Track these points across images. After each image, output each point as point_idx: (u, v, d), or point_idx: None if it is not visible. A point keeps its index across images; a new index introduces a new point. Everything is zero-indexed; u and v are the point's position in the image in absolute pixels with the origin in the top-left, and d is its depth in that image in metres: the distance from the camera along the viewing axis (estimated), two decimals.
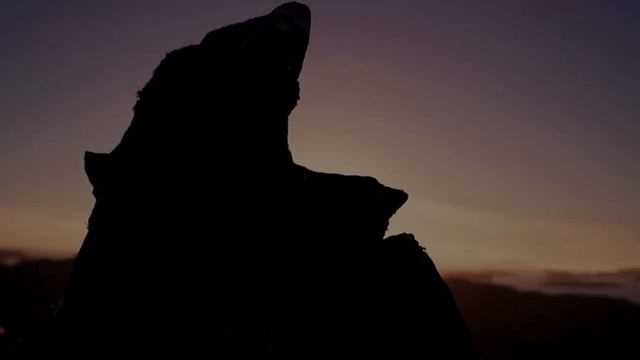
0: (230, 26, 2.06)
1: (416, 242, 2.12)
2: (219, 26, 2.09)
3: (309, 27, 2.12)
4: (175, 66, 2.00)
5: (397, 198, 2.19)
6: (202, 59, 1.96)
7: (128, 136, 2.06)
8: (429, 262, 2.09)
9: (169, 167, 1.91)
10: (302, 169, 2.05)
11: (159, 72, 2.04)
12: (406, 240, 2.10)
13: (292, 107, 2.05)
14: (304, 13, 2.13)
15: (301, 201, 1.96)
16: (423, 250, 2.12)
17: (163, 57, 2.09)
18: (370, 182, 2.12)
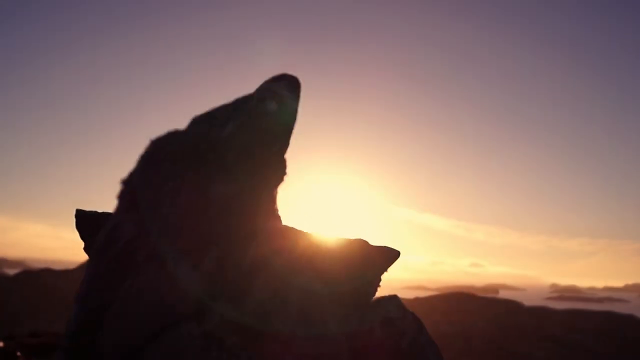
0: (216, 109, 2.02)
1: (402, 310, 2.12)
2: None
3: (298, 101, 2.07)
4: (159, 154, 1.95)
5: (389, 256, 2.16)
6: (187, 146, 1.92)
7: (114, 222, 2.00)
8: (414, 341, 2.09)
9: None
10: (291, 236, 2.03)
11: (143, 160, 1.98)
12: (391, 319, 2.07)
13: (279, 184, 2.02)
14: (294, 86, 2.08)
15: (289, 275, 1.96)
16: (411, 315, 2.12)
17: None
18: (360, 244, 2.11)
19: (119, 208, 2.00)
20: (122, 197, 1.99)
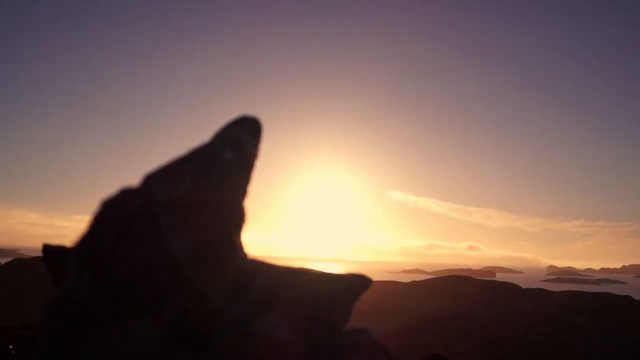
0: (170, 163, 1.59)
1: (372, 341, 1.69)
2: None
3: (258, 144, 1.64)
4: (112, 214, 1.53)
5: (359, 285, 1.72)
6: (141, 204, 1.51)
7: (67, 286, 1.67)
8: None
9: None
10: (256, 273, 1.63)
11: (96, 222, 1.59)
12: (361, 351, 1.70)
13: (240, 231, 1.62)
14: (254, 129, 1.66)
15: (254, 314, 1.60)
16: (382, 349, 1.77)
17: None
18: (326, 276, 1.67)
19: (72, 270, 1.63)
20: (76, 258, 1.62)
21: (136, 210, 1.44)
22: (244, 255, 1.51)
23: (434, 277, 77.17)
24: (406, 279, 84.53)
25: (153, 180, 1.47)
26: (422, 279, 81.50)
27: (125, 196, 1.43)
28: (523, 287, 75.16)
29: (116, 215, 1.43)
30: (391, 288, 75.95)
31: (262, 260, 1.53)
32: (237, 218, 1.49)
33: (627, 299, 70.92)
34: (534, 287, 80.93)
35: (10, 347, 8.36)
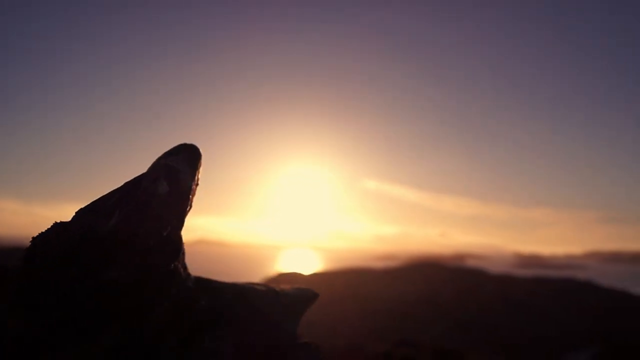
0: (101, 199, 1.92)
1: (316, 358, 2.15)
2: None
3: (196, 173, 2.00)
4: (42, 250, 1.79)
5: (305, 300, 2.19)
6: (72, 240, 1.80)
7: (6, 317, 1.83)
8: None
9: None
10: (199, 294, 1.98)
11: (26, 258, 1.84)
12: None
13: (177, 257, 1.94)
14: (192, 158, 1.99)
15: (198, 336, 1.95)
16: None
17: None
18: (270, 292, 2.11)
19: (4, 307, 1.83)
20: (7, 295, 1.81)
21: (67, 245, 1.63)
22: (187, 278, 1.77)
23: (405, 263, 78.98)
24: (379, 265, 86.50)
25: (83, 216, 1.68)
26: (394, 265, 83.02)
27: (56, 231, 1.64)
28: (491, 272, 77.09)
29: (47, 250, 1.61)
30: (364, 274, 77.07)
31: (207, 280, 1.85)
32: (173, 247, 1.71)
33: (589, 283, 73.34)
34: (502, 272, 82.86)
35: None
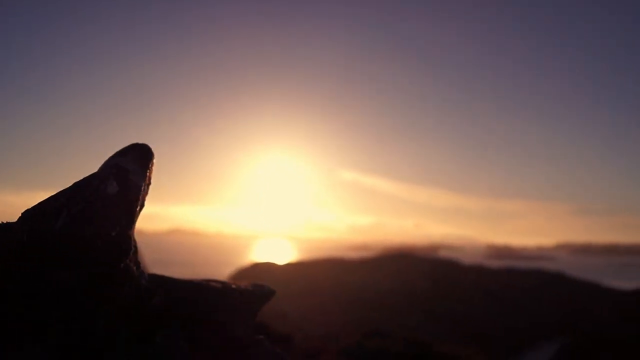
0: (48, 199, 1.88)
1: (270, 354, 2.14)
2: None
3: (147, 173, 1.98)
4: None
5: (261, 297, 2.19)
6: (17, 241, 1.79)
7: None
8: None
9: None
10: (153, 292, 2.00)
11: None
12: None
13: (128, 256, 1.91)
14: (143, 158, 1.98)
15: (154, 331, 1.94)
16: None
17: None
18: (226, 289, 2.11)
19: None
20: None
21: (12, 246, 1.83)
22: (140, 275, 2.08)
23: (380, 254, 79.06)
24: (354, 255, 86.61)
25: (29, 217, 1.92)
26: (369, 255, 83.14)
27: (0, 233, 1.88)
28: (464, 263, 77.95)
29: None
30: (339, 264, 77.44)
31: (162, 277, 2.23)
32: (122, 247, 1.94)
33: (560, 274, 74.66)
34: (474, 263, 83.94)
35: None
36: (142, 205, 2.01)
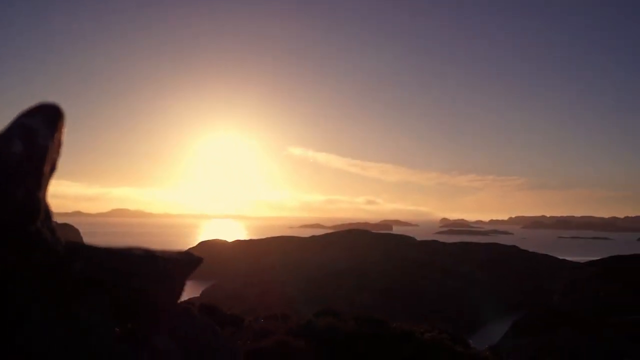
0: None
1: (194, 318, 2.16)
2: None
3: (56, 133, 1.96)
4: None
5: (186, 264, 2.13)
6: None
7: None
8: (206, 348, 2.08)
9: None
10: (71, 259, 1.94)
11: None
12: (181, 327, 2.07)
13: (37, 220, 1.90)
14: (51, 118, 1.95)
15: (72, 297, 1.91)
16: None
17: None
18: (146, 257, 2.06)
19: None
20: None
21: None
22: (56, 242, 1.93)
23: (333, 230, 77.52)
24: (306, 233, 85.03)
25: None
26: (322, 233, 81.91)
27: None
28: (418, 239, 77.45)
29: None
30: (291, 243, 75.92)
31: (80, 245, 1.99)
32: (29, 209, 1.81)
33: (514, 248, 74.75)
34: (428, 239, 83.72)
35: None
36: (54, 168, 1.99)
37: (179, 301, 2.17)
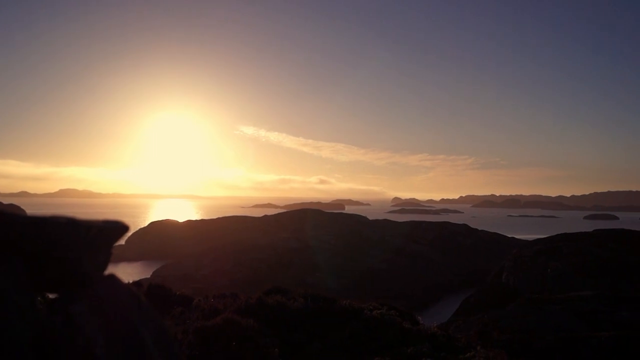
0: None
1: (117, 289, 2.08)
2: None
3: None
4: None
5: (112, 232, 2.07)
6: None
7: None
8: (127, 320, 2.02)
9: None
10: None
11: None
12: (101, 302, 1.99)
13: None
14: None
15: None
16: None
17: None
18: (68, 224, 1.94)
19: None
20: None
21: None
22: None
23: (285, 210, 77.35)
24: (258, 213, 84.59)
25: None
26: (274, 213, 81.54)
27: None
28: (370, 218, 78.15)
29: None
30: (243, 222, 75.55)
31: (2, 211, 1.69)
32: None
33: (464, 226, 76.22)
34: (380, 218, 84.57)
35: None
36: None
37: (105, 270, 2.11)
